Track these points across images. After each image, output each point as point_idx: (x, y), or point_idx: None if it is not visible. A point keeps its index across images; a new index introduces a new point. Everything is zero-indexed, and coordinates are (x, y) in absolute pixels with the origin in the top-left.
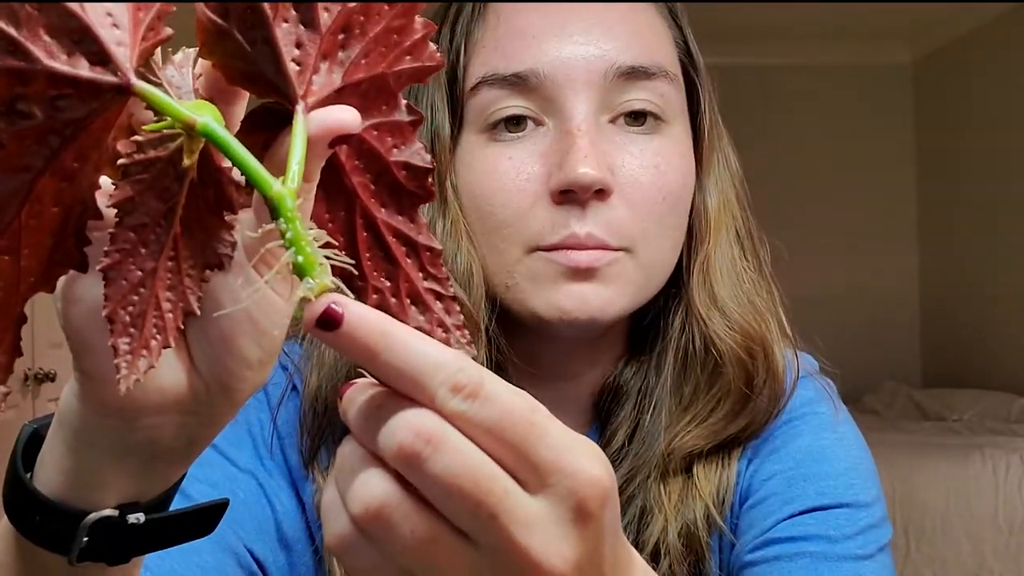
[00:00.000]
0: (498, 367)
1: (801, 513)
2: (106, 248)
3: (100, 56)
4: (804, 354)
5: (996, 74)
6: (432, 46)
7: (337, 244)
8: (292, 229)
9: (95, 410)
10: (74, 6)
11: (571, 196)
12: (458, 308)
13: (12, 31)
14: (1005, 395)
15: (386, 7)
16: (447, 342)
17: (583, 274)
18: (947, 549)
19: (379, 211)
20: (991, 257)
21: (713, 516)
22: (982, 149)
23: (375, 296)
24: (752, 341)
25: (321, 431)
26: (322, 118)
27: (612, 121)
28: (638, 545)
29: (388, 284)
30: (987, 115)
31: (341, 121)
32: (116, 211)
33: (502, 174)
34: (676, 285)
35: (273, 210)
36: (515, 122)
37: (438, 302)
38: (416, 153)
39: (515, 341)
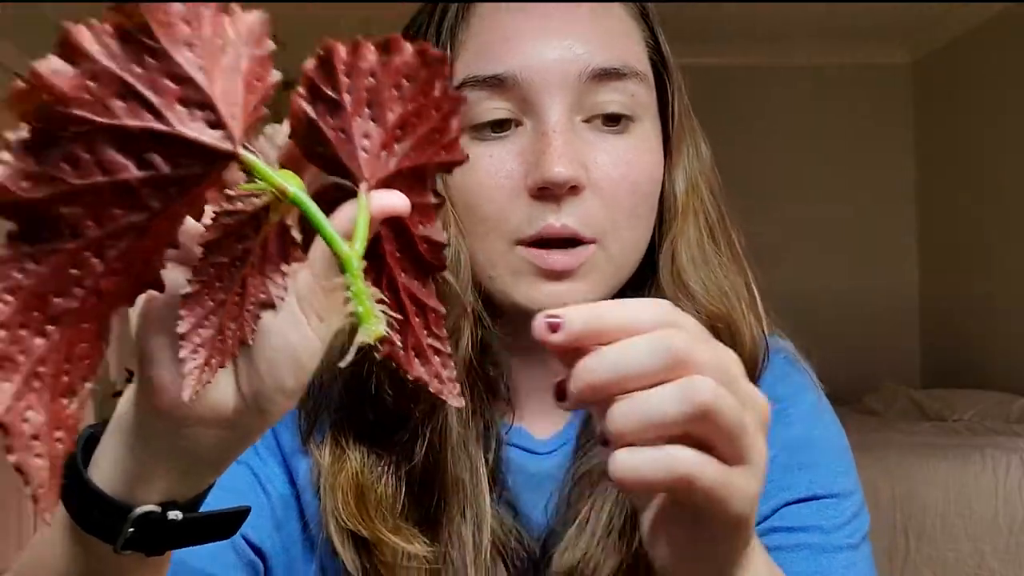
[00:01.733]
0: (486, 345)
1: (797, 502)
2: (190, 278)
3: (217, 125)
4: (784, 341)
5: (996, 74)
6: (461, 144)
7: (388, 302)
8: (356, 284)
9: (152, 414)
10: (203, 83)
11: (547, 192)
12: (452, 363)
13: (154, 98)
14: (1005, 395)
15: (434, 112)
16: (442, 392)
17: (559, 275)
18: (947, 549)
19: (400, 275)
20: (991, 258)
21: None
22: (982, 149)
23: (387, 345)
24: (717, 320)
25: (317, 409)
26: (381, 200)
27: (587, 121)
28: (636, 522)
29: (399, 337)
30: (987, 115)
31: (395, 205)
32: (203, 249)
33: (484, 171)
34: (653, 268)
35: (342, 267)
36: (498, 124)
37: (437, 357)
38: (437, 231)
39: (502, 321)
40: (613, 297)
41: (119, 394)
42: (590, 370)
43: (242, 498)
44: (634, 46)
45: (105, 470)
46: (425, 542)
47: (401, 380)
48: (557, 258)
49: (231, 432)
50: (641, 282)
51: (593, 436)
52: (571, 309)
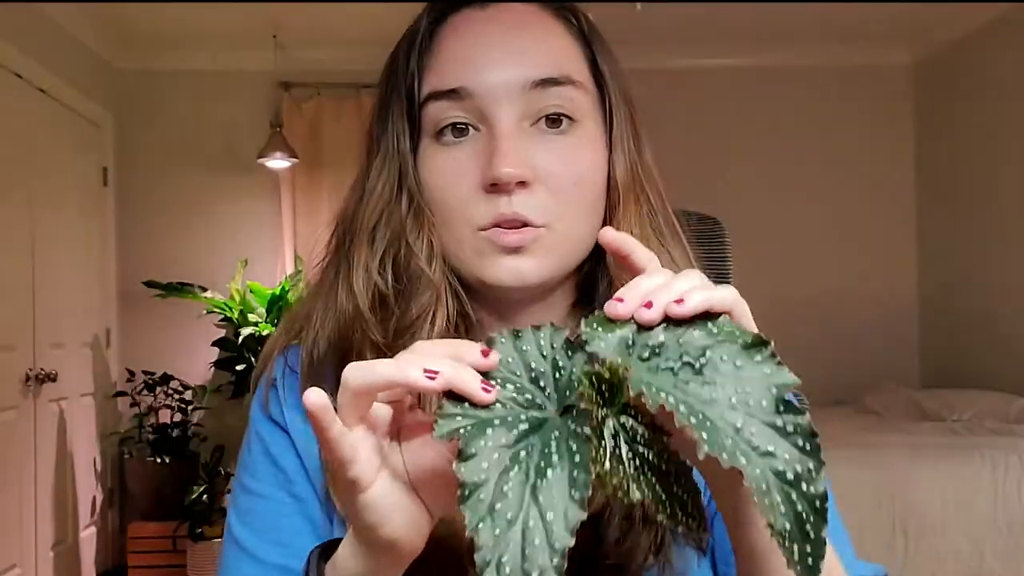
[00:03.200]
0: (466, 317)
1: None
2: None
3: None
4: None
5: (996, 75)
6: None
7: None
8: None
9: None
10: None
11: (498, 187)
12: None
13: None
14: (1005, 395)
15: None
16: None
17: (514, 250)
18: (947, 549)
19: None
20: (990, 258)
21: None
22: (981, 150)
23: None
24: None
25: (316, 373)
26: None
27: (534, 124)
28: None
29: None
30: (986, 116)
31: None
32: None
33: (448, 171)
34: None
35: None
36: (458, 129)
37: None
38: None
39: (481, 298)
40: (583, 268)
41: (119, 394)
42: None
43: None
44: (572, 60)
45: None
46: None
47: (381, 349)
48: (510, 236)
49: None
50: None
51: None
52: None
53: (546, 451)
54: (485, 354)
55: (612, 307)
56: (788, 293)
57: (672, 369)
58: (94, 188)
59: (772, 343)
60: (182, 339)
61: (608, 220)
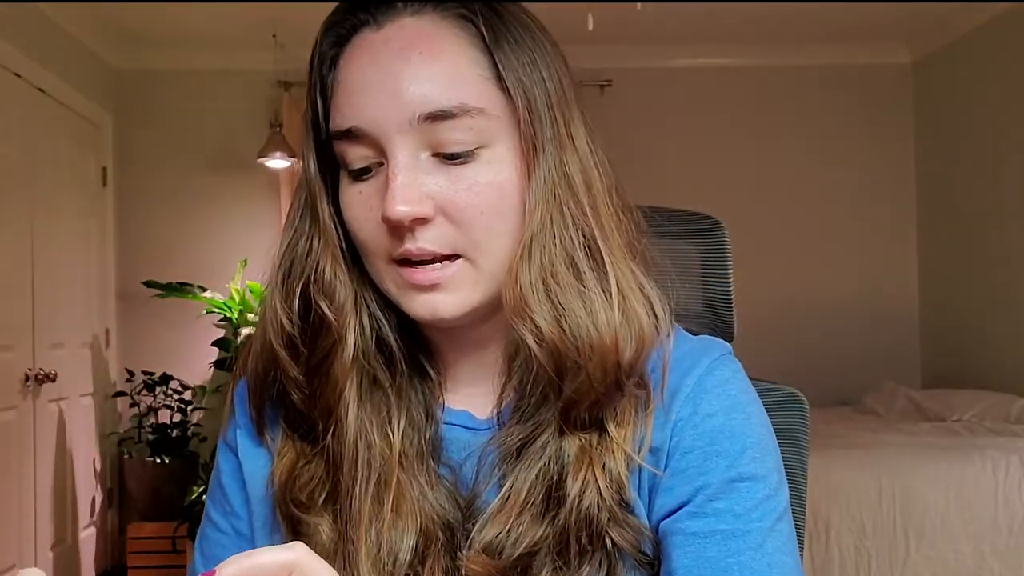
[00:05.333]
0: (424, 342)
1: (716, 484)
2: None
3: None
4: (716, 338)
5: (996, 74)
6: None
7: None
8: None
9: None
10: None
11: (395, 227)
12: None
13: None
14: (1005, 395)
15: None
16: None
17: (428, 288)
18: (947, 549)
19: None
20: (991, 258)
21: (633, 462)
22: (982, 149)
23: None
24: (562, 347)
25: (260, 390)
26: None
27: (434, 155)
28: (561, 496)
29: None
30: (987, 115)
31: None
32: None
33: (356, 206)
34: None
35: None
36: (363, 171)
37: None
38: None
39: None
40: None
41: (119, 394)
42: None
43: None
44: (468, 83)
45: None
46: (331, 522)
47: (302, 387)
48: (419, 275)
49: None
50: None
51: (520, 413)
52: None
53: None
54: None
55: None
56: (788, 293)
57: None
58: (93, 188)
59: None
60: (182, 339)
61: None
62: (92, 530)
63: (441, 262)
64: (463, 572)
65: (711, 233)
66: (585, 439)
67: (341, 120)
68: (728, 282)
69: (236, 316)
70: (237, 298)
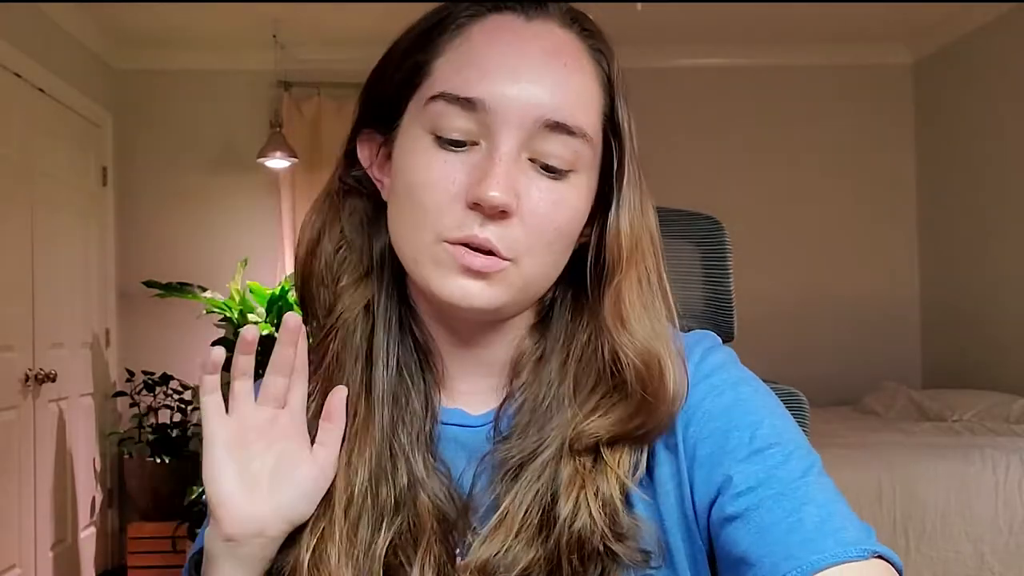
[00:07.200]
0: (419, 341)
1: (743, 457)
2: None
3: None
4: (705, 331)
5: (996, 74)
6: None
7: None
8: None
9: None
10: None
11: (479, 207)
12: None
13: None
14: (1005, 395)
15: None
16: None
17: (474, 274)
18: (947, 549)
19: None
20: (991, 257)
21: (627, 487)
22: (982, 150)
23: None
24: (650, 357)
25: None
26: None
27: (531, 159)
28: (552, 517)
29: None
30: (987, 116)
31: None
32: None
33: (435, 172)
34: (579, 295)
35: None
36: (457, 143)
37: None
38: None
39: (436, 314)
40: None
41: (119, 394)
42: None
43: None
44: (590, 110)
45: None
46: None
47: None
48: (478, 260)
49: (272, 540)
50: (562, 297)
51: (510, 416)
52: None
53: None
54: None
55: None
56: (788, 293)
57: None
58: (94, 188)
59: None
60: (182, 339)
61: (608, 283)
62: (92, 530)
63: (493, 256)
64: None
65: (711, 233)
66: (580, 462)
67: (463, 86)
68: (728, 282)
69: (236, 316)
70: (237, 298)
